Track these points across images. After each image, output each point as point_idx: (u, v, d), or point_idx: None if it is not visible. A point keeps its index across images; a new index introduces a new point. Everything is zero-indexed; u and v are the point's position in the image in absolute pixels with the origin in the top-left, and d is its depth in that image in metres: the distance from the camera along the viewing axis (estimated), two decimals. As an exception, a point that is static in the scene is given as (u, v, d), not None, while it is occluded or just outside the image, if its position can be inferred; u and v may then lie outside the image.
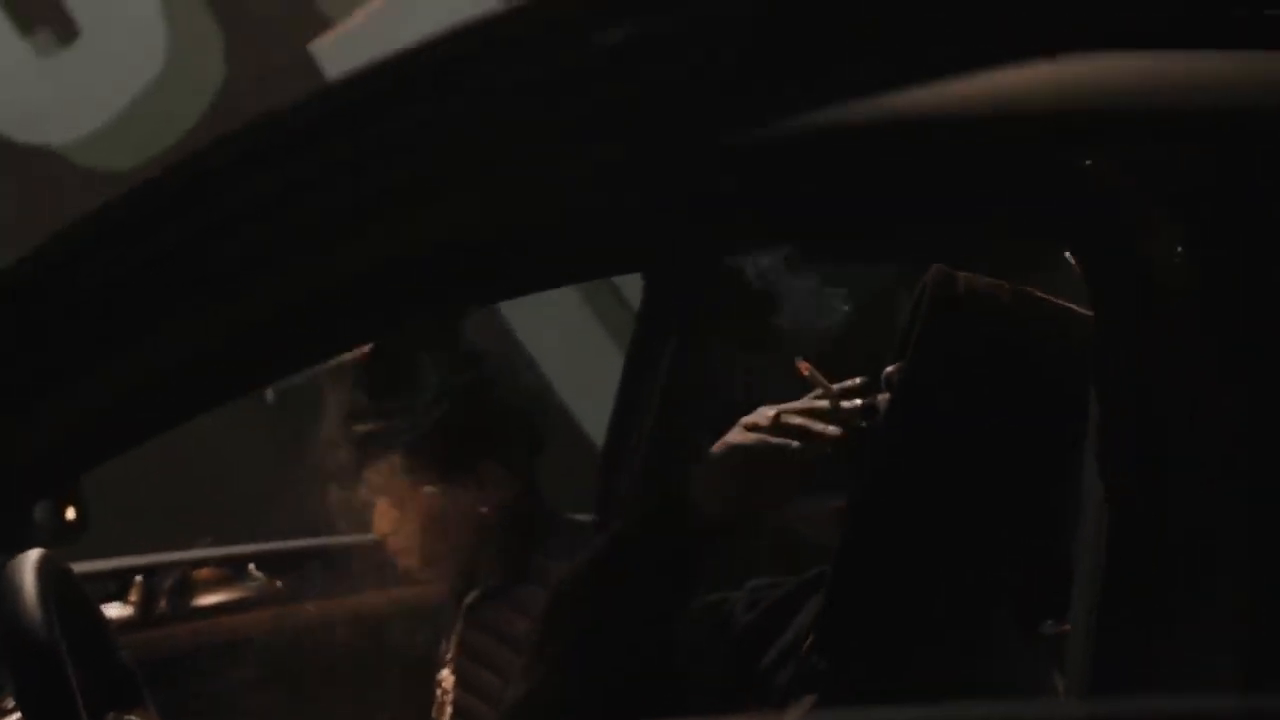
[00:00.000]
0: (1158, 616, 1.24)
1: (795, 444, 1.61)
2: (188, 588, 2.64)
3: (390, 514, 2.35)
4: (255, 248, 1.01)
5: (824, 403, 1.64)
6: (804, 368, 1.65)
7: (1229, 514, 1.24)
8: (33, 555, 1.55)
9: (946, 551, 1.50)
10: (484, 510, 2.33)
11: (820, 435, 1.61)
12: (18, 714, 1.56)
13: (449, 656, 2.44)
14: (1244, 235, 1.26)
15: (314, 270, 1.03)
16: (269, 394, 3.68)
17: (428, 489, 2.32)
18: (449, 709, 2.43)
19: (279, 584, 2.72)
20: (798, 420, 1.63)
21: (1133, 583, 1.26)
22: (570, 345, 4.31)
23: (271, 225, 1.00)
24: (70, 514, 2.56)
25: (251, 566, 2.72)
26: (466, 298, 1.35)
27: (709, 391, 2.61)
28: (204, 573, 2.68)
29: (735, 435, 1.66)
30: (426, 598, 2.71)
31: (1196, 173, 1.28)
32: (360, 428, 2.33)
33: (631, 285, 3.67)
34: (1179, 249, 1.28)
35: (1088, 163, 1.27)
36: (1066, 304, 1.57)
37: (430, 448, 2.30)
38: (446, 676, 2.44)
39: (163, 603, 2.60)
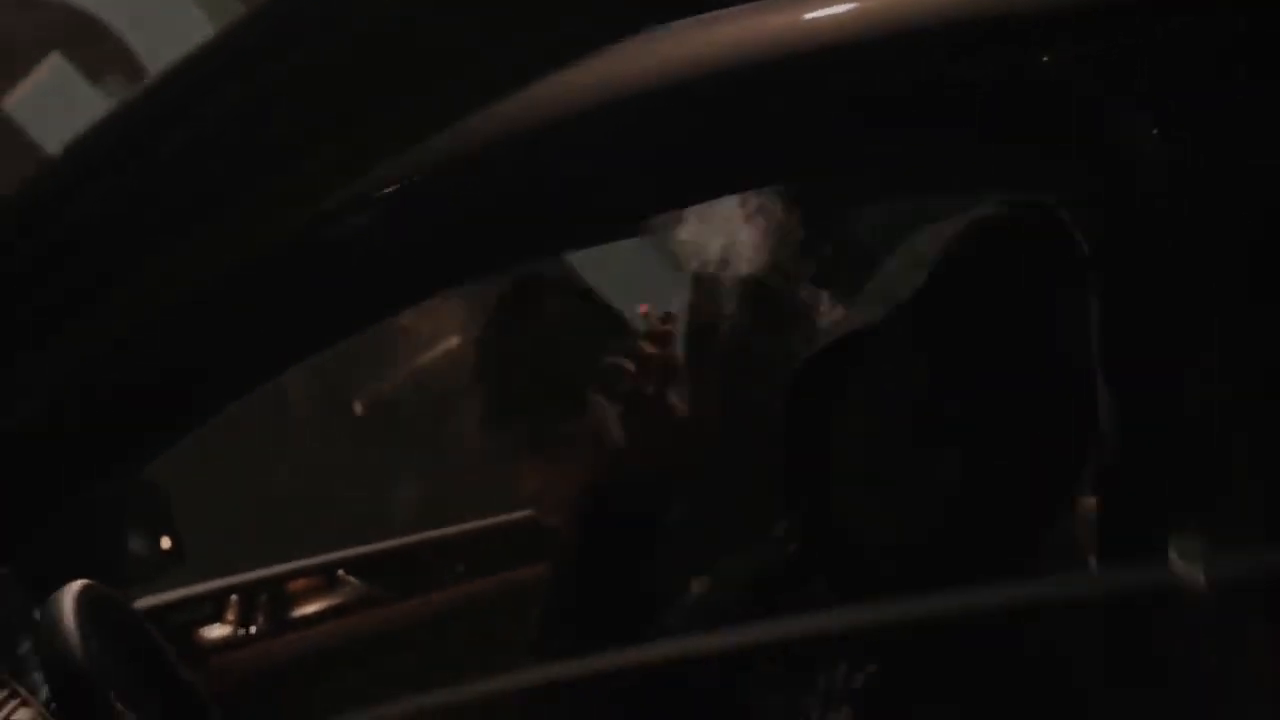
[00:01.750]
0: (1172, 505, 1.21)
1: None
2: (284, 601, 2.67)
3: (530, 475, 2.31)
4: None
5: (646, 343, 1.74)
6: (642, 309, 1.74)
7: (1230, 400, 1.20)
8: (74, 586, 1.58)
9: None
10: None
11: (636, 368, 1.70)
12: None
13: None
14: (1213, 120, 1.23)
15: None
16: (357, 406, 3.72)
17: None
18: None
19: (372, 587, 2.75)
20: (623, 363, 1.73)
21: (1145, 470, 1.23)
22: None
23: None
24: (166, 543, 2.60)
25: (341, 572, 2.75)
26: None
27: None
28: (298, 584, 2.71)
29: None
30: (520, 580, 2.72)
31: (1161, 61, 1.24)
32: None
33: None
34: (1151, 136, 1.24)
35: (1044, 61, 1.24)
36: None
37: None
38: None
39: (260, 618, 2.64)
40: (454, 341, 3.73)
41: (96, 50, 4.61)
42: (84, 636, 1.50)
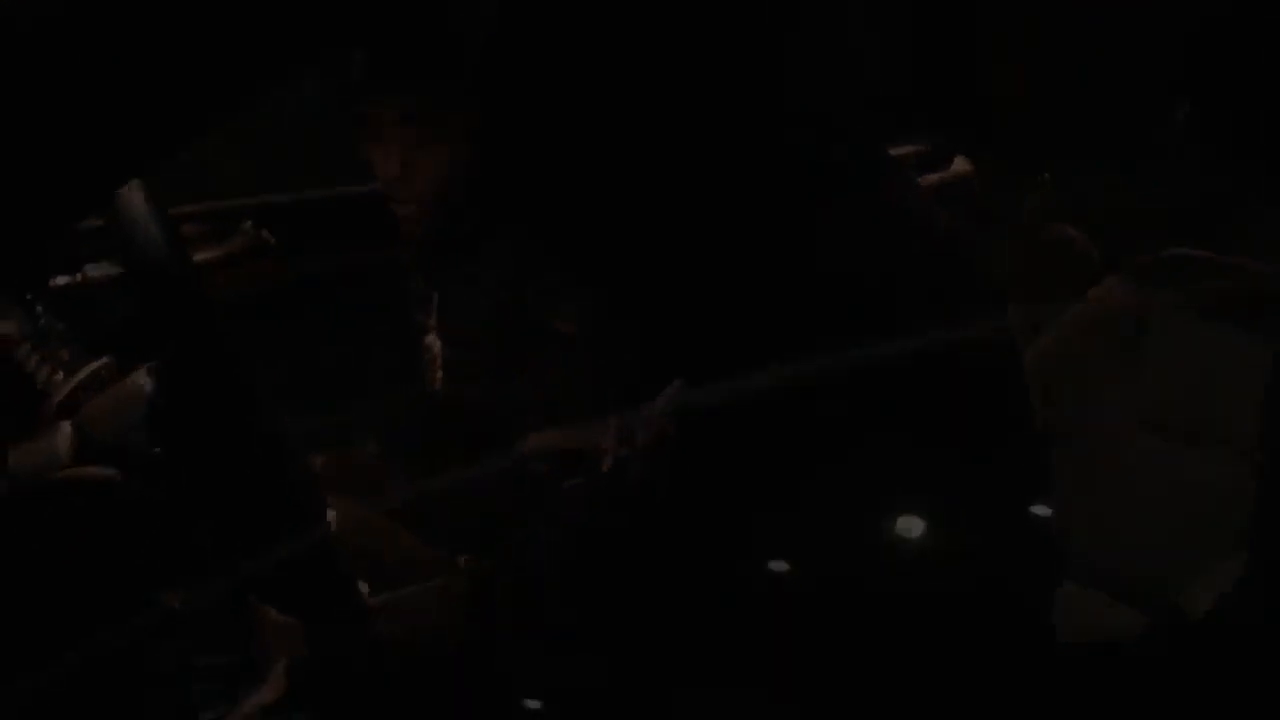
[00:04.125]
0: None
1: None
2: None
3: (399, 155, 2.27)
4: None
5: None
6: None
7: None
8: (137, 183, 1.45)
9: None
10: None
11: None
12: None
13: (431, 323, 2.40)
14: None
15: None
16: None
17: (439, 132, 2.26)
18: (439, 372, 2.41)
19: (270, 237, 2.61)
20: None
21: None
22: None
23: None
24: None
25: (249, 224, 2.60)
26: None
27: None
28: (190, 229, 2.56)
29: None
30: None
31: None
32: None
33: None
34: None
35: None
36: None
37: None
38: (433, 340, 2.41)
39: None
40: None
41: None
42: (161, 226, 1.40)
